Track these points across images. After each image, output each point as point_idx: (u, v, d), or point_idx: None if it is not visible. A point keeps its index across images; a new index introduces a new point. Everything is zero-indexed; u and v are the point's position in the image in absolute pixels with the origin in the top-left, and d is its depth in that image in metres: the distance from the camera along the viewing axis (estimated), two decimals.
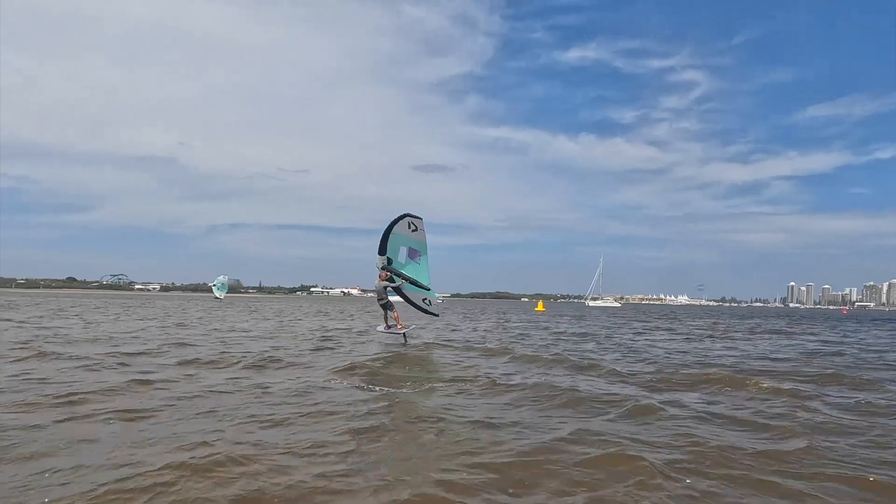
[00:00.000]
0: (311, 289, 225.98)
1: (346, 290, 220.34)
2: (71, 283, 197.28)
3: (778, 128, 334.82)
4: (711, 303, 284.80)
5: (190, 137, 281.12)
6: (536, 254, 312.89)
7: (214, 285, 78.02)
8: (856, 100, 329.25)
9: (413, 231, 16.50)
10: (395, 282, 16.24)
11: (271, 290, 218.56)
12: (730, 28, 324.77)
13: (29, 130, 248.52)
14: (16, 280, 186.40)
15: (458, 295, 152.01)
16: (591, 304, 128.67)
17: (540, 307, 64.75)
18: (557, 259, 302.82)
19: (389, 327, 16.83)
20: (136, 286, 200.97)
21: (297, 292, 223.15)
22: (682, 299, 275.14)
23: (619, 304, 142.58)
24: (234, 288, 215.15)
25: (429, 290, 16.91)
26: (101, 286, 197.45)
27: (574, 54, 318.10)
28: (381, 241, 16.12)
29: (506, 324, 30.58)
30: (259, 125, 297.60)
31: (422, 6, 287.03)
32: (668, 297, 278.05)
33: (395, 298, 16.67)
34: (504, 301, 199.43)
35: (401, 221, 16.14)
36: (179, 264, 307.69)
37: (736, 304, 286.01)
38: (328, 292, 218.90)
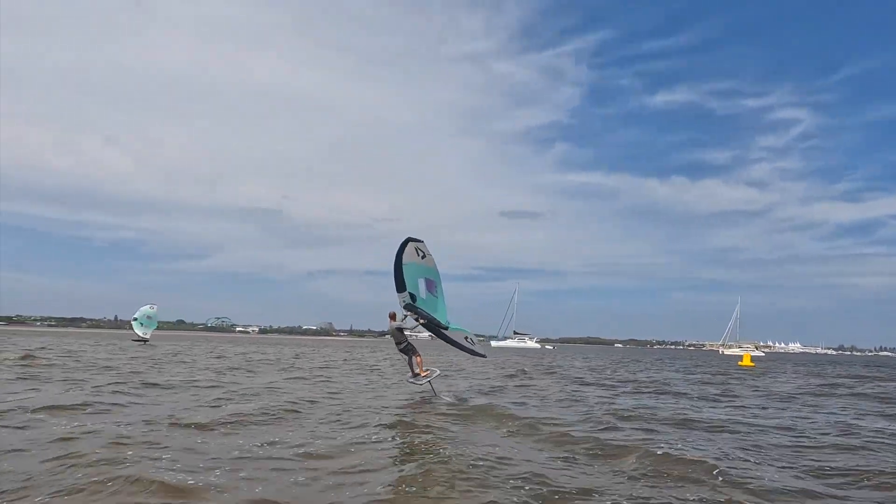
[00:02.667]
0: None
1: (433, 335, 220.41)
2: (180, 325, 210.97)
3: (892, 164, 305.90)
4: (829, 351, 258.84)
5: (292, 190, 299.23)
6: (627, 299, 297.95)
7: (136, 319, 52.76)
8: None
9: (423, 258, 13.72)
10: (416, 322, 13.66)
11: (362, 334, 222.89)
12: (832, 63, 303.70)
13: (154, 187, 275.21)
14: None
15: (546, 340, 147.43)
16: (727, 352, 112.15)
17: (747, 360, 51.98)
18: (649, 305, 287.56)
19: (415, 376, 14.24)
20: (238, 328, 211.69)
21: (387, 336, 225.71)
22: (795, 347, 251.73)
23: (763, 353, 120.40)
24: (325, 330, 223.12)
25: (447, 327, 14.11)
26: (207, 328, 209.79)
27: (663, 98, 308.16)
28: (396, 276, 13.26)
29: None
30: (355, 178, 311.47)
31: (510, 62, 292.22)
32: (777, 345, 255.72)
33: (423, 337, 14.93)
34: (598, 347, 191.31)
35: (407, 248, 13.36)
36: (277, 308, 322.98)
37: (859, 353, 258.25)
38: (416, 336, 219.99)
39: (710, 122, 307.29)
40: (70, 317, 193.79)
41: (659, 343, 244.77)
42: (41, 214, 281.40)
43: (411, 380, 14.62)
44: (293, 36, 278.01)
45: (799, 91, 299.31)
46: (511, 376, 24.21)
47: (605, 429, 10.39)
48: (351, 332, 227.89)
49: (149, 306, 53.41)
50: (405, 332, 13.97)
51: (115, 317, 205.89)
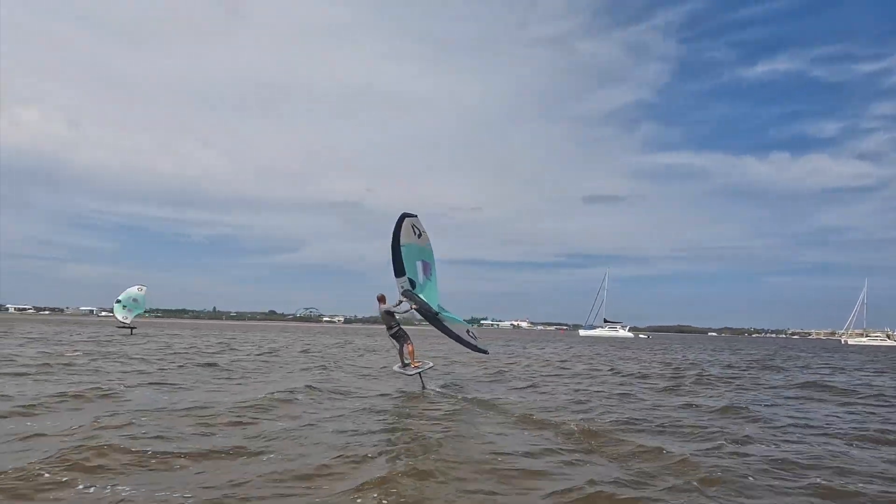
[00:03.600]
0: (482, 321, 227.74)
1: (515, 323, 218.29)
2: (272, 315, 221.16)
3: None
4: None
5: (374, 183, 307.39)
6: (720, 285, 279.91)
7: (118, 301, 45.28)
8: None
9: (419, 237, 12.39)
10: (405, 307, 12.38)
11: None
12: None
13: (248, 185, 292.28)
14: (228, 313, 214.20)
15: (634, 328, 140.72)
16: (852, 342, 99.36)
17: None
18: (743, 291, 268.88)
19: (405, 366, 12.94)
20: (325, 318, 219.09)
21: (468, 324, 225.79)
22: None
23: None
24: (408, 320, 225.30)
25: (437, 313, 12.50)
26: (296, 318, 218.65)
27: (762, 68, 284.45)
28: (394, 258, 11.99)
29: None
30: (434, 169, 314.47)
31: (593, 40, 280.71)
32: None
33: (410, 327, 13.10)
34: (690, 336, 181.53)
35: (404, 226, 12.00)
36: (361, 298, 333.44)
37: None
38: (498, 325, 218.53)
39: (816, 92, 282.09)
40: (174, 308, 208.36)
41: (757, 331, 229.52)
42: (148, 214, 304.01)
43: (399, 369, 13.13)
44: (374, 31, 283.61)
45: None
46: (667, 378, 18.10)
47: None
48: None
49: (137, 288, 45.86)
50: (397, 317, 12.76)
51: (214, 308, 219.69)
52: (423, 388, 12.82)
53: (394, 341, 13.05)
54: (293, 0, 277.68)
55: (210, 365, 17.75)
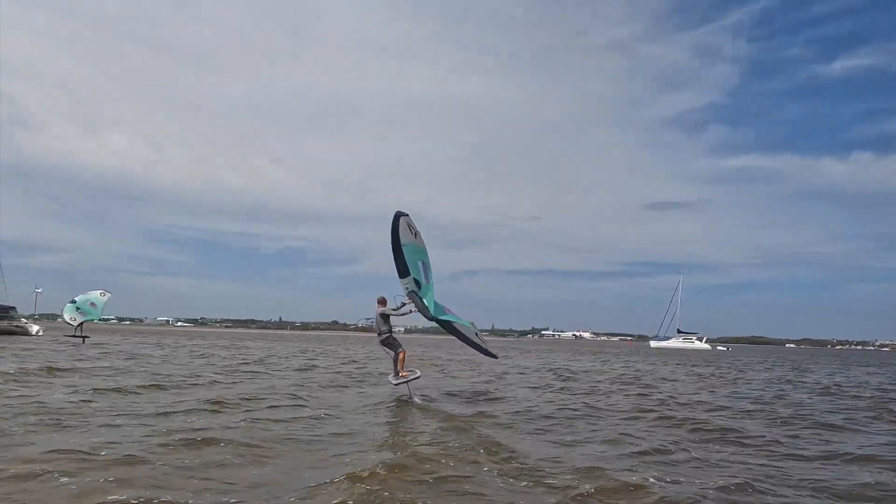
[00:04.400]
0: (542, 332, 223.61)
1: (577, 334, 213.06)
2: (334, 325, 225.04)
3: None
4: None
5: (434, 193, 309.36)
6: (797, 293, 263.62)
7: (73, 302, 39.12)
8: None
9: (415, 237, 11.62)
10: (407, 309, 11.59)
11: (504, 333, 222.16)
12: None
13: (313, 199, 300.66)
14: (293, 323, 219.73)
15: (709, 340, 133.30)
16: None
17: None
18: (825, 299, 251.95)
19: (397, 374, 12.08)
20: None
21: (528, 335, 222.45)
22: None
23: None
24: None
25: (434, 318, 11.54)
26: (357, 328, 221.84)
27: (841, 65, 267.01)
28: (397, 257, 11.02)
29: None
30: (495, 178, 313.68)
31: (658, 44, 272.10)
32: None
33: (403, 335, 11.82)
34: (767, 347, 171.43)
35: (401, 225, 11.13)
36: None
37: None
38: (559, 335, 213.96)
39: None
40: (243, 319, 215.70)
41: (840, 343, 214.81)
42: (222, 228, 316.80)
43: (392, 379, 12.28)
44: (435, 44, 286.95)
45: None
46: None
47: None
48: (492, 332, 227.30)
49: (99, 292, 40.16)
50: (391, 322, 12.10)
51: (280, 318, 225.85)
52: (410, 397, 12.00)
53: (386, 349, 12.06)
54: (356, 18, 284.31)
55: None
